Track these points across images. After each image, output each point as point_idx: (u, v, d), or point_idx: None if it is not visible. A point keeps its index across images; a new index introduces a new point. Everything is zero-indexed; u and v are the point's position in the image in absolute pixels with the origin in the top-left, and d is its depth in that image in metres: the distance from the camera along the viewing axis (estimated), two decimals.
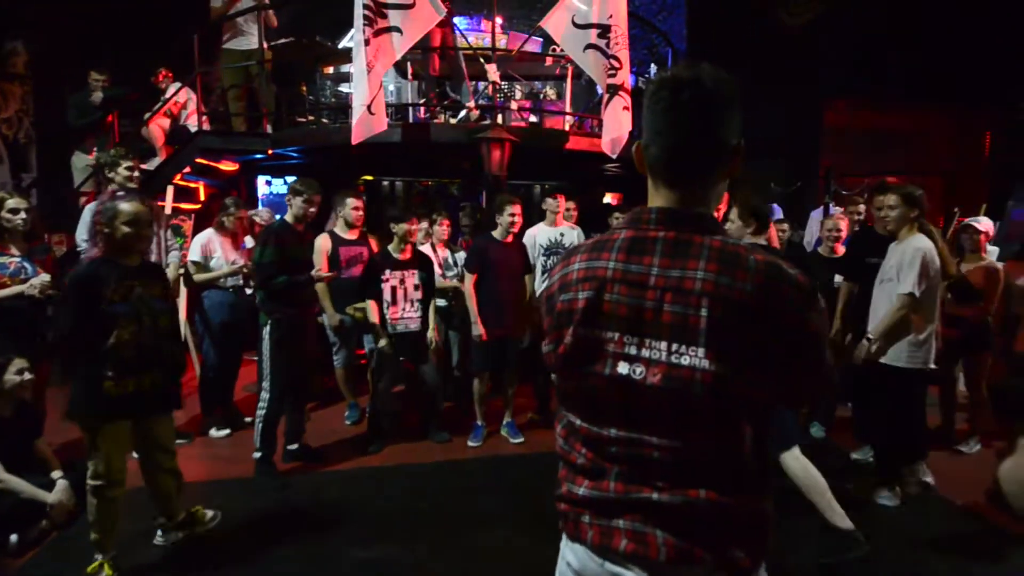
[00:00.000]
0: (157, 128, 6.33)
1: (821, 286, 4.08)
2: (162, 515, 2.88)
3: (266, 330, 3.55)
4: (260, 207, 6.87)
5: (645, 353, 0.98)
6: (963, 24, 8.93)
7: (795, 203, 7.96)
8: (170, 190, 5.40)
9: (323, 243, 4.31)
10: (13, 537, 2.84)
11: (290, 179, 8.23)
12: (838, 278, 4.10)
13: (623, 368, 1.00)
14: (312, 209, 3.72)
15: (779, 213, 6.58)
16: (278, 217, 4.53)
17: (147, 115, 6.23)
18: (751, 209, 2.91)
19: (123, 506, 2.65)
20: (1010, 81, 9.39)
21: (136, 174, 3.91)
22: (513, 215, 4.10)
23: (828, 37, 8.50)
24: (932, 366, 3.29)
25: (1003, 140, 10.00)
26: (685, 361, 0.95)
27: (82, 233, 3.80)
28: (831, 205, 6.70)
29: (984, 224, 4.24)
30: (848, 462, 3.93)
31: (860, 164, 8.50)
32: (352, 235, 4.42)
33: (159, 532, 2.90)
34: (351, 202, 4.39)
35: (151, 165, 5.97)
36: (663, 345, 0.97)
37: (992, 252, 4.81)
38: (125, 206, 2.52)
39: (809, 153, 9.49)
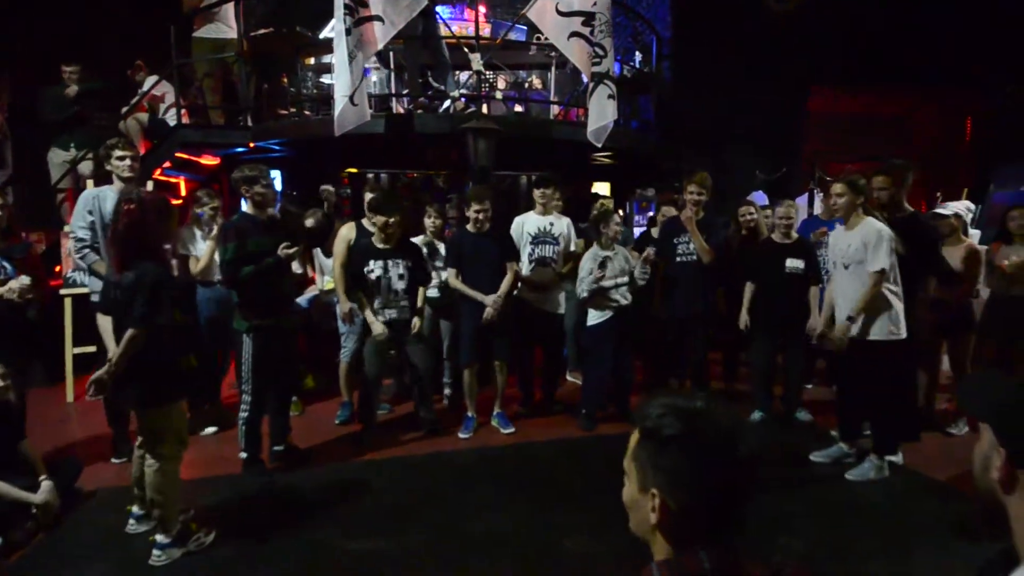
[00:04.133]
0: (135, 122, 6.20)
1: (774, 271, 4.26)
2: (140, 505, 2.88)
3: (244, 337, 3.47)
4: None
5: None
6: (944, 9, 8.99)
7: (780, 190, 8.00)
8: (150, 185, 5.30)
9: (346, 232, 4.24)
10: None
11: (274, 172, 8.16)
12: (792, 262, 4.21)
13: None
14: (273, 193, 3.60)
15: (763, 200, 6.61)
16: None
17: (124, 109, 6.10)
18: None
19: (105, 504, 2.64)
20: (990, 65, 9.49)
21: (129, 162, 3.72)
22: (477, 212, 4.10)
23: (813, 23, 8.51)
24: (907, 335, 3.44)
25: (984, 124, 10.11)
26: None
27: (78, 221, 3.68)
28: (816, 191, 6.75)
29: (951, 208, 4.28)
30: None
31: (844, 150, 8.57)
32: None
33: (155, 552, 2.74)
34: (367, 195, 4.36)
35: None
36: None
37: (975, 235, 4.87)
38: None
39: (794, 139, 9.54)
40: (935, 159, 8.79)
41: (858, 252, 3.40)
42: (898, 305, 3.39)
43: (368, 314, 3.93)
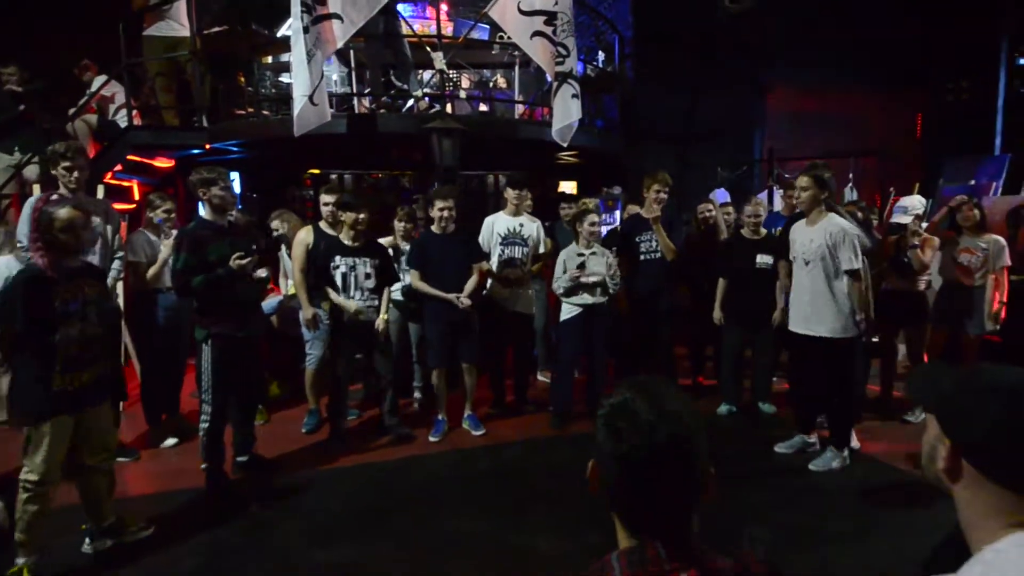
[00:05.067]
0: (83, 124, 5.94)
1: (744, 267, 4.36)
2: (91, 520, 2.81)
3: (203, 346, 3.33)
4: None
5: None
6: (894, 9, 9.32)
7: (741, 187, 8.17)
8: (100, 189, 5.08)
9: (304, 235, 4.14)
10: None
11: (232, 174, 7.94)
12: (761, 258, 4.31)
13: None
14: (232, 196, 3.49)
15: (725, 197, 6.74)
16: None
17: (72, 111, 5.84)
18: None
19: (53, 521, 2.57)
20: (939, 64, 9.87)
21: (76, 175, 3.59)
22: (441, 209, 4.06)
23: (768, 23, 8.71)
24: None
25: (933, 121, 10.53)
26: None
27: (23, 229, 3.53)
28: (775, 188, 6.91)
29: (908, 208, 4.41)
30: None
31: (801, 147, 8.79)
32: (336, 230, 4.19)
33: (87, 540, 2.81)
34: (323, 198, 4.22)
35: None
36: None
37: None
38: (61, 212, 2.61)
39: (752, 137, 9.76)
40: (888, 155, 9.11)
41: (820, 248, 3.45)
42: (851, 304, 3.45)
43: (337, 298, 3.85)
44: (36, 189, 4.70)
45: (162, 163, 6.30)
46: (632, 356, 5.04)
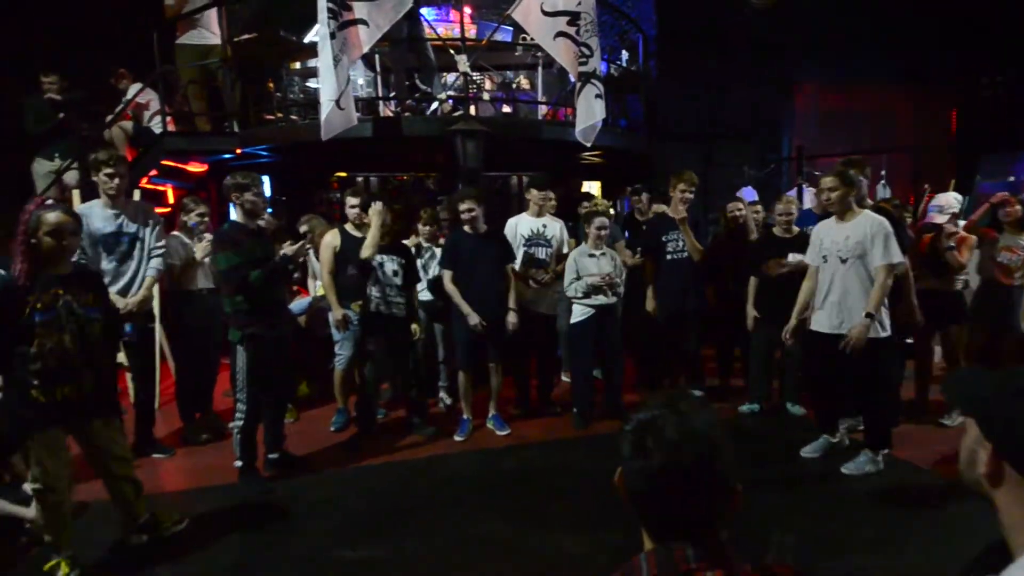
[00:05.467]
0: (120, 131, 6.14)
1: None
2: (123, 519, 2.86)
3: (238, 346, 3.43)
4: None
5: None
6: (927, 3, 9.07)
7: (768, 185, 8.05)
8: (136, 194, 5.24)
9: (331, 238, 4.21)
10: None
11: (263, 178, 8.11)
12: (793, 256, 4.22)
13: None
14: (263, 201, 3.58)
15: (753, 195, 6.64)
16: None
17: (109, 118, 6.03)
18: None
19: (96, 514, 2.61)
20: (974, 58, 9.58)
21: (116, 182, 3.68)
22: (466, 210, 4.07)
23: (796, 19, 8.57)
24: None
25: (969, 116, 10.22)
26: None
27: None
28: (804, 186, 6.79)
29: (944, 207, 4.28)
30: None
31: (831, 144, 8.62)
32: (363, 232, 4.22)
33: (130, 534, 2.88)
34: (348, 200, 4.25)
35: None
36: None
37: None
38: (49, 216, 2.51)
39: (781, 135, 9.60)
40: (921, 152, 8.87)
41: (858, 246, 3.37)
42: (883, 300, 3.38)
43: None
44: (76, 194, 4.86)
45: (195, 168, 6.47)
46: (656, 356, 5.01)
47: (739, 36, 8.73)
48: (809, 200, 6.40)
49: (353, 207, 4.24)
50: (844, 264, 3.44)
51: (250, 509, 3.30)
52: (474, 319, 4.00)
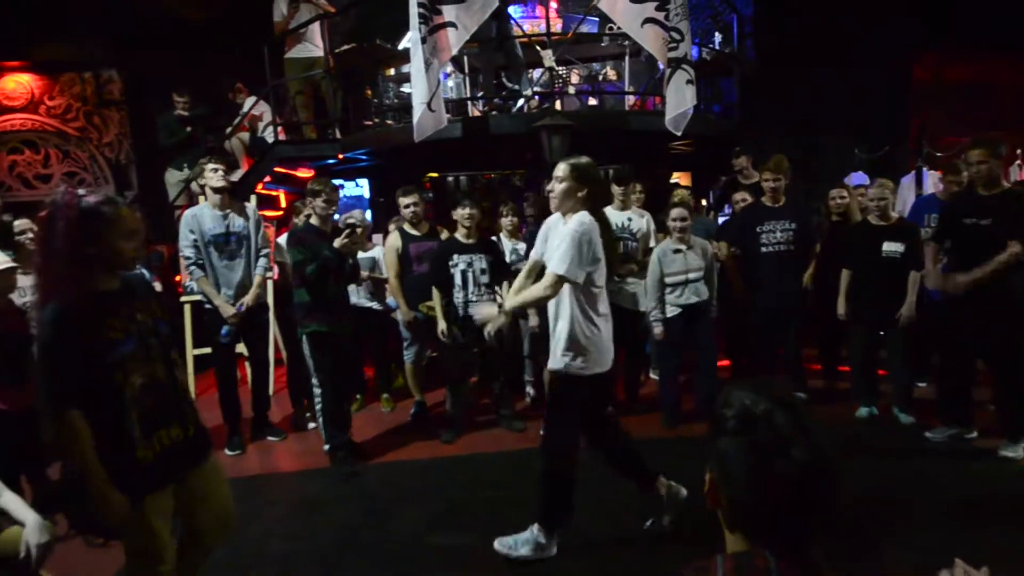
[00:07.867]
0: (239, 141, 6.75)
1: (869, 256, 3.98)
2: None
3: (303, 340, 3.73)
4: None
5: None
6: None
7: (884, 169, 7.37)
8: (253, 199, 5.75)
9: (393, 240, 4.42)
10: None
11: (362, 181, 8.58)
12: (889, 245, 3.90)
13: None
14: (333, 207, 3.80)
15: (863, 180, 6.14)
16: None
17: (228, 129, 6.65)
18: None
19: None
20: None
21: (222, 172, 3.98)
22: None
23: None
24: None
25: None
26: None
27: (183, 240, 4.01)
28: (924, 170, 6.18)
29: None
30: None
31: (954, 122, 7.75)
32: (421, 231, 4.48)
33: None
34: (402, 200, 4.41)
35: (235, 177, 6.37)
36: None
37: None
38: (124, 211, 1.84)
39: (897, 113, 8.75)
40: None
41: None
42: None
43: (439, 314, 4.07)
44: (201, 200, 5.41)
45: (303, 173, 6.97)
46: (749, 355, 4.77)
47: (848, 5, 8.03)
48: (932, 184, 5.82)
49: (407, 207, 4.38)
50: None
51: (341, 492, 3.52)
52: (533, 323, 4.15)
